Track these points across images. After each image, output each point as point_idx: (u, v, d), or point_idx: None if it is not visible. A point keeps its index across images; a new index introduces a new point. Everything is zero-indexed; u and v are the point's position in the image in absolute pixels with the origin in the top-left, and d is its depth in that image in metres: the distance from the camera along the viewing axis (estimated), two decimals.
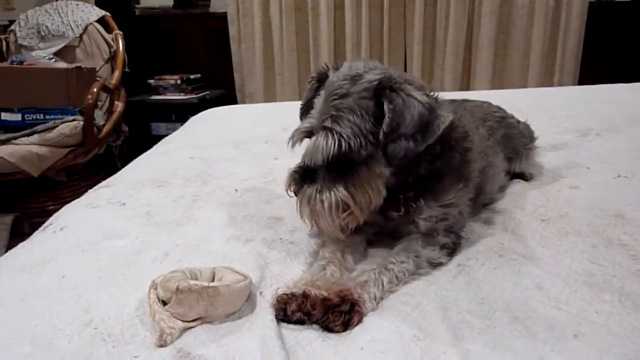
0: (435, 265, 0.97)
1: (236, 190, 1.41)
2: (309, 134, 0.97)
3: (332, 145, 0.89)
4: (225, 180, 1.50)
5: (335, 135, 0.90)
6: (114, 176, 1.56)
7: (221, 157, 1.74)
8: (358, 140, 0.90)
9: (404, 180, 1.01)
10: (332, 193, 0.92)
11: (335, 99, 0.92)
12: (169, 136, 2.11)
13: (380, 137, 0.90)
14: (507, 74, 3.76)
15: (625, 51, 3.79)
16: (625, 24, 3.74)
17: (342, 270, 0.95)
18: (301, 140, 1.00)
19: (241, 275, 0.88)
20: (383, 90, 0.91)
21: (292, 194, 1.00)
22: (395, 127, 0.89)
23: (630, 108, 2.13)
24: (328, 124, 0.91)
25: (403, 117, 0.89)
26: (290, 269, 0.99)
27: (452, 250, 1.01)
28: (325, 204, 0.92)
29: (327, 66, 1.03)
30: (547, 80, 3.73)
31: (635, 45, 3.77)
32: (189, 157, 1.74)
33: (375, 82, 0.92)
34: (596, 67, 3.79)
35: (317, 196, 0.93)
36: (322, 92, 0.97)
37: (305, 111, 1.07)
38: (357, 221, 0.97)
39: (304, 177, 0.97)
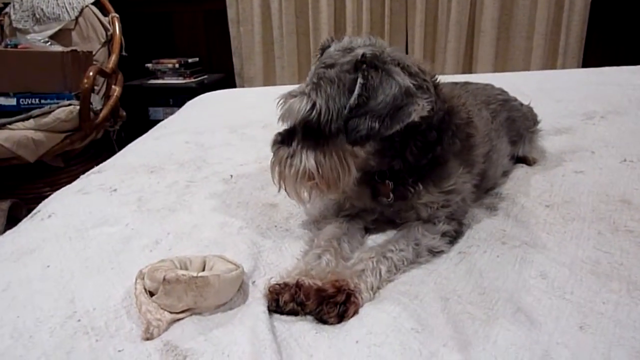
0: (435, 253, 0.93)
1: (231, 176, 1.37)
2: (292, 97, 0.94)
3: (303, 110, 0.89)
4: (220, 166, 1.46)
5: (309, 102, 0.89)
6: (107, 161, 1.52)
7: (217, 142, 1.70)
8: (329, 111, 0.87)
9: (390, 165, 0.97)
10: (302, 160, 0.92)
11: (321, 68, 0.91)
12: (165, 121, 2.07)
13: (345, 110, 0.87)
14: (510, 57, 3.70)
15: (629, 34, 3.73)
16: (629, 6, 3.66)
17: (338, 259, 0.91)
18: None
19: (233, 264, 0.84)
20: (362, 64, 0.87)
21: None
22: (362, 103, 0.85)
23: (635, 91, 2.08)
24: (306, 90, 0.91)
25: (375, 95, 0.85)
26: (285, 258, 0.96)
27: (453, 238, 0.97)
28: (292, 170, 0.93)
29: (331, 38, 1.02)
30: (550, 63, 3.67)
31: (638, 28, 3.70)
32: (184, 142, 1.70)
33: (359, 57, 0.88)
34: (600, 50, 3.73)
35: (288, 160, 0.93)
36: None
37: None
38: (322, 194, 0.97)
39: (283, 140, 0.96)
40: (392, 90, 0.86)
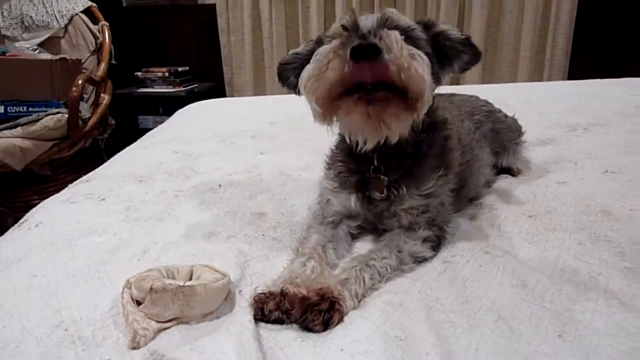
0: (419, 260, 0.95)
1: (219, 185, 1.38)
2: None
3: None
4: (208, 175, 1.47)
5: None
6: (95, 171, 1.52)
7: (206, 151, 1.71)
8: None
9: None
10: None
11: None
12: (154, 130, 2.08)
13: None
14: (497, 69, 3.75)
15: (613, 46, 3.80)
16: (613, 19, 3.74)
17: (323, 266, 0.93)
18: None
19: (220, 273, 0.85)
20: None
21: None
22: None
23: (618, 103, 2.13)
24: None
25: None
26: (272, 266, 0.97)
27: (435, 244, 0.99)
28: None
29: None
30: (537, 74, 3.74)
31: (623, 41, 3.78)
32: (173, 151, 1.70)
33: None
34: (585, 62, 3.80)
35: None
36: None
37: None
38: None
39: None
40: None
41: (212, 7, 3.88)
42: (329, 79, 0.82)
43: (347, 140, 0.97)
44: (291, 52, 1.06)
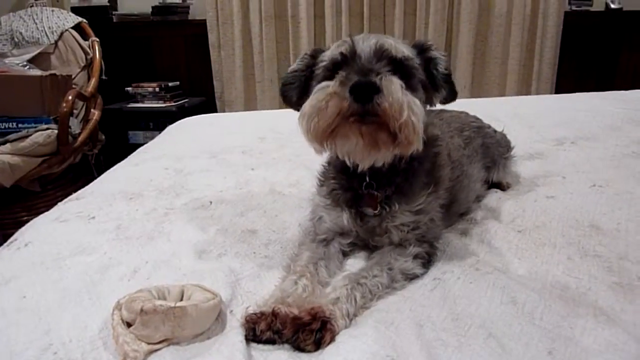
0: (410, 277, 0.96)
1: (210, 202, 1.38)
2: None
3: None
4: (199, 192, 1.47)
5: None
6: (85, 188, 1.52)
7: (197, 168, 1.71)
8: None
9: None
10: None
11: None
12: (144, 146, 2.07)
13: None
14: (486, 82, 3.80)
15: (599, 59, 3.87)
16: (599, 33, 3.81)
17: (314, 284, 0.93)
18: None
19: (211, 293, 0.85)
20: None
21: None
22: None
23: (605, 117, 2.16)
24: None
25: None
26: (263, 285, 0.96)
27: (426, 260, 1.00)
28: None
29: None
30: (525, 88, 3.78)
31: (608, 54, 3.85)
32: (163, 168, 1.70)
33: None
34: (572, 75, 3.86)
35: None
36: None
37: None
38: None
39: None
40: None
41: (203, 22, 3.89)
42: (327, 116, 0.86)
43: (344, 160, 1.00)
44: (289, 69, 1.07)
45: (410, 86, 0.91)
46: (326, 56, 0.98)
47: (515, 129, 1.90)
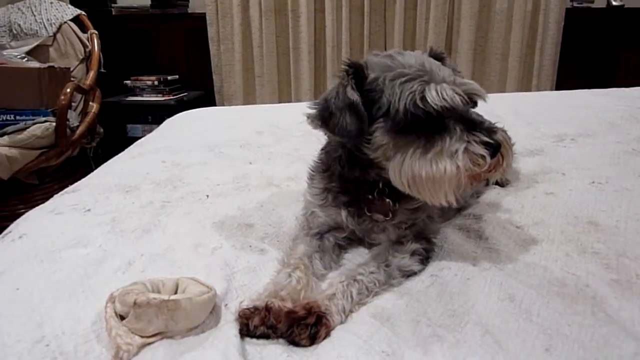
0: (407, 273, 0.95)
1: (207, 196, 1.37)
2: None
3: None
4: (196, 186, 1.46)
5: None
6: (82, 180, 1.51)
7: (194, 161, 1.70)
8: None
9: None
10: None
11: None
12: (142, 139, 2.06)
13: None
14: (486, 78, 3.79)
15: (600, 56, 3.85)
16: (600, 29, 3.79)
17: (309, 276, 0.92)
18: None
19: (205, 286, 0.84)
20: None
21: None
22: None
23: (605, 113, 2.15)
24: None
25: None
26: (259, 279, 0.96)
27: (424, 257, 0.99)
28: None
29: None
30: (525, 84, 3.77)
31: (609, 51, 3.84)
32: (161, 161, 1.69)
33: None
34: (573, 72, 3.84)
35: None
36: None
37: None
38: None
39: None
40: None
41: (202, 16, 3.87)
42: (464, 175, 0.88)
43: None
44: (341, 97, 0.92)
45: None
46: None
47: (515, 125, 1.89)
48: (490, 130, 0.89)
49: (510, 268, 0.95)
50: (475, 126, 0.88)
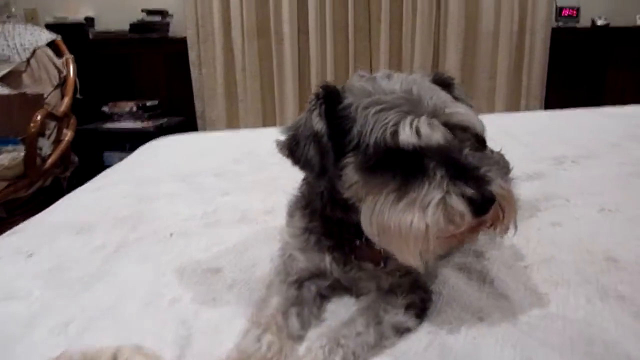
0: (401, 332, 0.78)
1: (171, 234, 1.21)
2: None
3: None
4: (161, 222, 1.29)
5: None
6: (30, 219, 1.34)
7: (163, 193, 1.54)
8: None
9: None
10: None
11: None
12: (109, 169, 1.91)
13: None
14: (475, 98, 3.69)
15: (587, 75, 3.83)
16: (586, 48, 3.77)
17: (282, 340, 0.76)
18: None
19: (151, 357, 0.68)
20: None
21: None
22: None
23: (602, 133, 2.05)
24: None
25: None
26: (221, 341, 0.79)
27: (420, 310, 0.82)
28: None
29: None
30: (514, 104, 3.73)
31: (596, 69, 3.81)
32: (125, 194, 1.53)
33: None
34: (561, 91, 3.81)
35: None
36: None
37: None
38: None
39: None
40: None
41: (183, 40, 3.77)
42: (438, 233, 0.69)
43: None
44: (308, 128, 0.79)
45: None
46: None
47: (510, 147, 1.75)
48: (482, 178, 0.69)
49: (524, 322, 0.79)
50: (463, 172, 0.69)
